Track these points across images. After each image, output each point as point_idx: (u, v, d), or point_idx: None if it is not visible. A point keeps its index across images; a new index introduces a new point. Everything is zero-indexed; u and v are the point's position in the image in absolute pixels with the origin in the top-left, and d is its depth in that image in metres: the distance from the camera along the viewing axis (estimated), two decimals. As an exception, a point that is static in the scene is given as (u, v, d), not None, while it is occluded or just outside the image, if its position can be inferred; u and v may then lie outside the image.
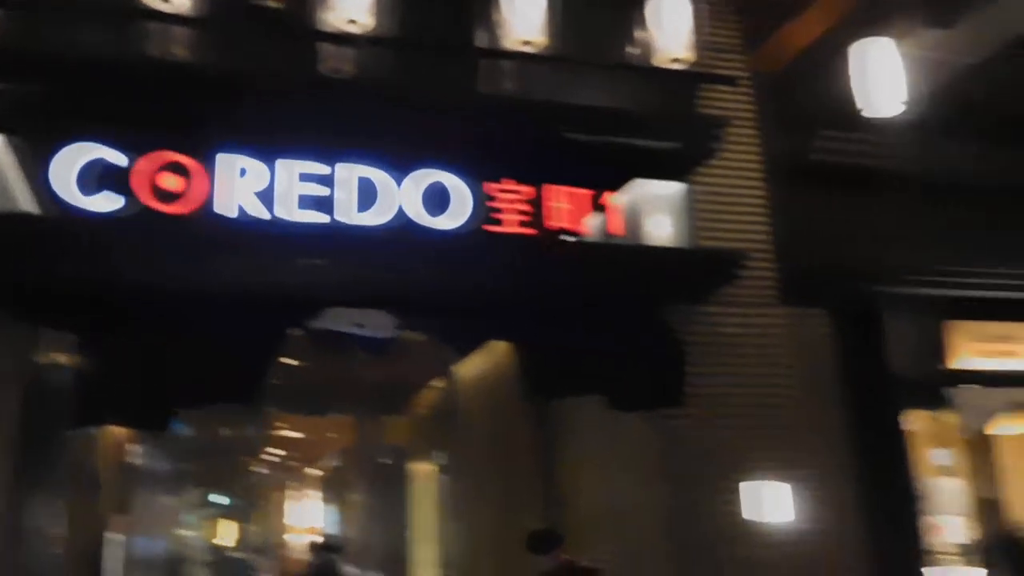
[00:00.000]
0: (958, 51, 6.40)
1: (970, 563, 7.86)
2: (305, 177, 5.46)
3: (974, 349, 7.29)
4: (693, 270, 6.14)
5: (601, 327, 5.96)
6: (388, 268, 5.50)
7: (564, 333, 5.97)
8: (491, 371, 7.97)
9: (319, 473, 19.71)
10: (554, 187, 5.87)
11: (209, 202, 5.27)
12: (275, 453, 19.30)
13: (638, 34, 6.38)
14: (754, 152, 6.92)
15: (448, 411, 9.47)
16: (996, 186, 7.47)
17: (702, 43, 6.22)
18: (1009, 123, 7.42)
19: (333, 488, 18.58)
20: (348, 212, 5.50)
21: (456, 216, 5.65)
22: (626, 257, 5.90)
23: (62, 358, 5.92)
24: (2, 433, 5.40)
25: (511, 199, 5.78)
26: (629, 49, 6.47)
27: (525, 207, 5.78)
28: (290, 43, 5.99)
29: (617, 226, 5.94)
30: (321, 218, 5.41)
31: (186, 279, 5.38)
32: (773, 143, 6.93)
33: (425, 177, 5.65)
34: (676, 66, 6.12)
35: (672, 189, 6.23)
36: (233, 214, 5.29)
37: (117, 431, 8.13)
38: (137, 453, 9.86)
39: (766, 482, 6.10)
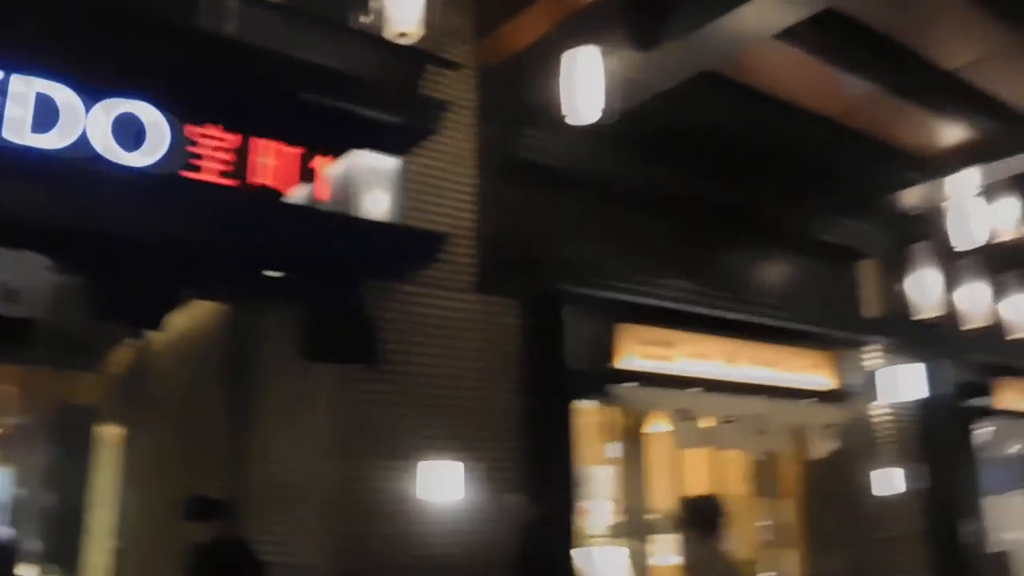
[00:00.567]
0: (655, 75, 6.88)
1: (615, 542, 8.56)
2: (-33, 82, 4.70)
3: (638, 351, 7.91)
4: (396, 246, 6.09)
5: (298, 290, 5.73)
6: (61, 200, 4.86)
7: (259, 291, 5.67)
8: (186, 328, 7.41)
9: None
10: (263, 141, 5.54)
11: None
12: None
13: (373, 2, 6.20)
14: (470, 140, 7.02)
15: (140, 370, 8.69)
16: (673, 203, 8.18)
17: (433, 23, 6.17)
18: (691, 148, 8.15)
19: (8, 447, 16.44)
20: (20, 131, 4.79)
21: (150, 154, 5.13)
22: (328, 224, 5.72)
23: None
24: None
25: (214, 146, 5.37)
26: (363, 16, 6.27)
27: (228, 156, 5.40)
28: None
29: (324, 192, 5.74)
30: (-20, 132, 4.68)
31: None
32: (488, 134, 7.06)
33: (119, 106, 5.08)
34: (404, 41, 6.01)
35: (386, 164, 6.14)
36: None
37: None
38: None
39: (441, 462, 6.20)
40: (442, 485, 6.18)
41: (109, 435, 10.43)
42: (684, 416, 8.05)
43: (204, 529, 5.16)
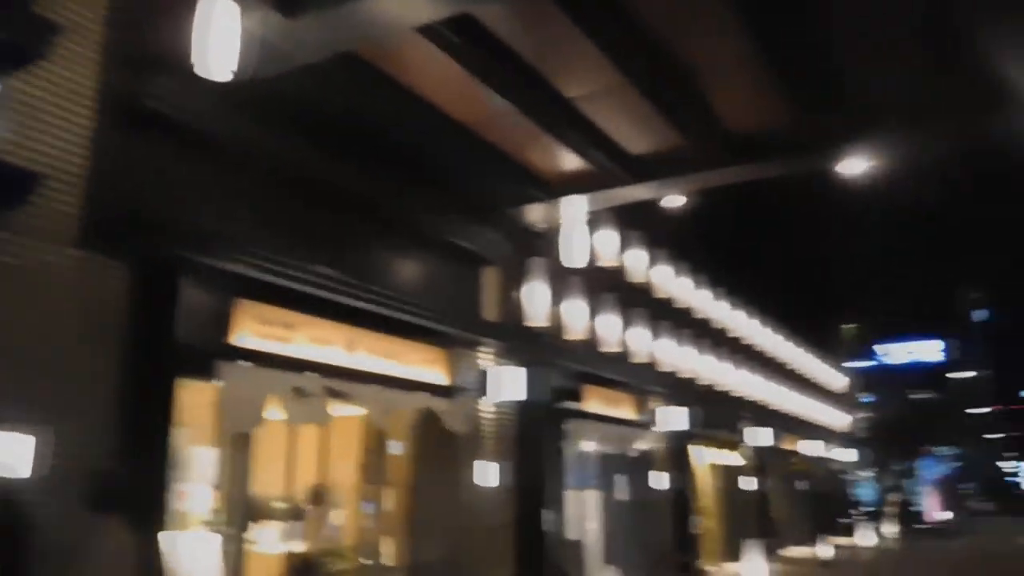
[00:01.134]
0: (298, 45, 6.65)
1: (213, 528, 8.06)
2: None
3: (255, 329, 7.56)
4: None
5: None
6: None
7: None
8: None
9: None
10: None
11: None
12: None
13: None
14: (90, 77, 6.23)
15: None
16: (311, 184, 7.96)
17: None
18: (333, 130, 8.01)
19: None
20: None
21: None
22: None
23: None
24: None
25: None
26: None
27: None
28: None
29: None
30: None
31: None
32: (112, 74, 6.33)
33: None
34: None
35: None
36: None
37: None
38: None
39: (8, 433, 5.36)
40: (7, 458, 5.34)
41: None
42: (299, 394, 7.83)
43: None
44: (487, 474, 10.53)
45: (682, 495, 16.53)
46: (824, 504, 27.51)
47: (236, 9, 5.81)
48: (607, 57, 8.36)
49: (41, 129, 5.91)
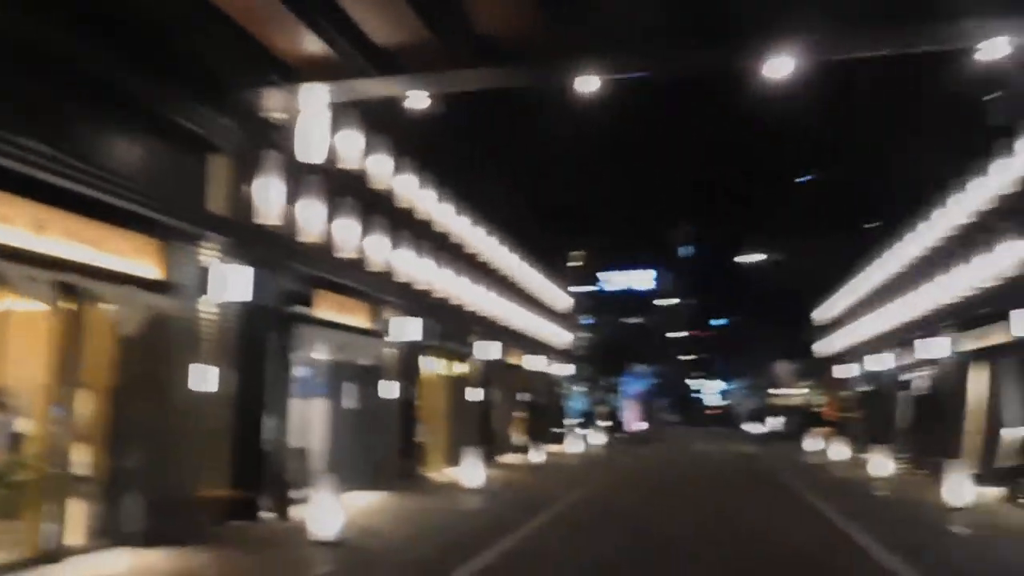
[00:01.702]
0: None
1: None
2: None
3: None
4: None
5: None
6: None
7: None
8: None
9: None
10: None
11: None
12: None
13: None
14: None
15: None
16: (33, 51, 6.51)
17: None
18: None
19: None
20: None
21: None
22: None
23: None
24: None
25: None
26: None
27: None
28: None
29: None
30: None
31: None
32: None
33: None
34: None
35: None
36: None
37: None
38: None
39: None
40: None
41: None
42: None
43: None
44: (204, 378, 9.62)
45: (410, 405, 16.44)
46: (541, 415, 28.90)
47: None
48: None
49: None
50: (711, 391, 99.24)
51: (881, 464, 19.92)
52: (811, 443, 31.43)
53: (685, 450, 34.35)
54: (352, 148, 12.31)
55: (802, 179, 55.60)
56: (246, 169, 10.39)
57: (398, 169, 14.89)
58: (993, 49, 9.34)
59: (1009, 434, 15.50)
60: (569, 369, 36.13)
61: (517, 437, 23.44)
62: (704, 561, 9.16)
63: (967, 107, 16.92)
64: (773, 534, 11.33)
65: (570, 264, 40.77)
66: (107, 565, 7.82)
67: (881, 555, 9.50)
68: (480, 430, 22.11)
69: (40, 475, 7.87)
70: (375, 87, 10.21)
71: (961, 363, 18.89)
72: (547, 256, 31.26)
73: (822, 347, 36.17)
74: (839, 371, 32.44)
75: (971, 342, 17.94)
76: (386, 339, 15.30)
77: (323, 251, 12.23)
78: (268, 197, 10.45)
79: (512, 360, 25.55)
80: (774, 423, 41.56)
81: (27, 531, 7.64)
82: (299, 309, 11.89)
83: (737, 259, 63.62)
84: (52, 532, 7.73)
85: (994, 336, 16.29)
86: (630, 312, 52.72)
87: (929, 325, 19.74)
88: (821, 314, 36.05)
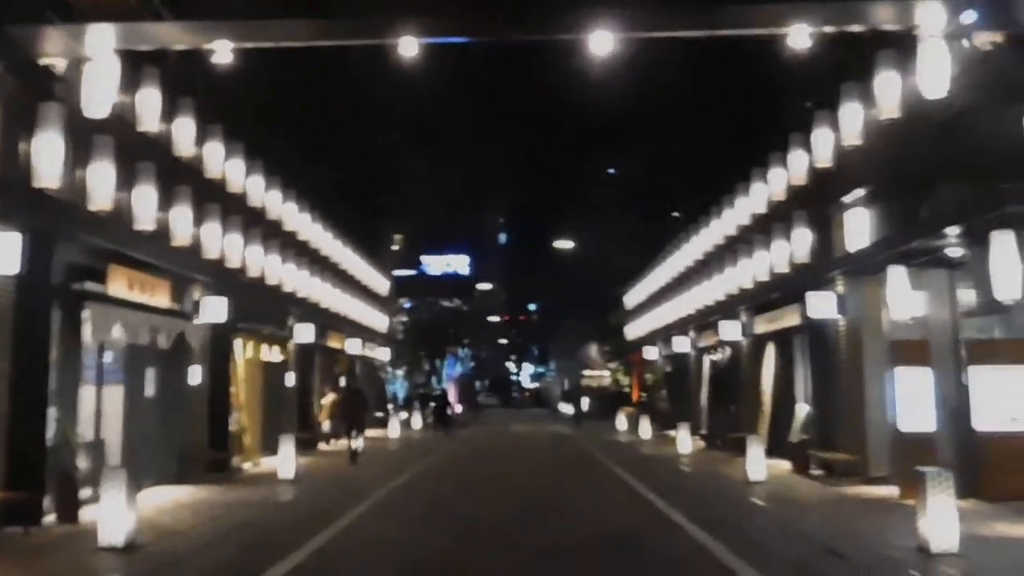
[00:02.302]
0: None
1: None
2: None
3: None
4: None
5: None
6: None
7: None
8: None
9: None
10: None
11: None
12: None
13: None
14: None
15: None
16: None
17: None
18: None
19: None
20: None
21: None
22: None
23: None
24: None
25: None
26: None
27: None
28: None
29: None
30: None
31: None
32: None
33: None
34: None
35: None
36: None
37: None
38: None
39: None
40: None
41: None
42: None
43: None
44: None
45: (221, 391, 15.10)
46: (362, 400, 27.91)
47: None
48: None
49: None
50: (527, 374, 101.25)
51: (685, 441, 20.58)
52: (621, 422, 32.34)
53: (504, 432, 34.45)
54: (151, 108, 10.91)
55: (612, 170, 57.41)
56: (18, 122, 8.87)
57: (204, 136, 13.51)
58: (799, 36, 9.44)
59: (802, 410, 16.31)
60: (391, 353, 35.25)
61: (337, 424, 22.39)
62: (524, 547, 8.75)
63: (775, 95, 17.62)
64: (592, 515, 11.18)
65: (394, 248, 39.85)
66: None
67: (693, 530, 9.52)
68: (298, 417, 20.91)
69: None
70: (171, 34, 8.96)
71: (756, 344, 19.80)
72: (369, 239, 30.23)
73: (632, 330, 37.33)
74: (647, 353, 33.56)
75: (765, 324, 18.81)
76: (194, 321, 13.91)
77: (117, 222, 10.79)
78: (48, 156, 8.96)
79: (332, 344, 24.40)
80: (585, 404, 42.61)
81: None
82: (90, 286, 10.43)
83: (551, 244, 64.85)
84: None
85: (786, 318, 17.10)
86: (451, 296, 52.44)
87: (727, 308, 20.55)
88: (631, 298, 37.17)
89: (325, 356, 24.64)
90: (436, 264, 71.66)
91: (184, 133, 12.46)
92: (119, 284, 11.14)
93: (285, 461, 14.15)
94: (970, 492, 10.30)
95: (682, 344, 26.69)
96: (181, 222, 12.49)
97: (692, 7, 9.75)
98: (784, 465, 15.50)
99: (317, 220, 21.40)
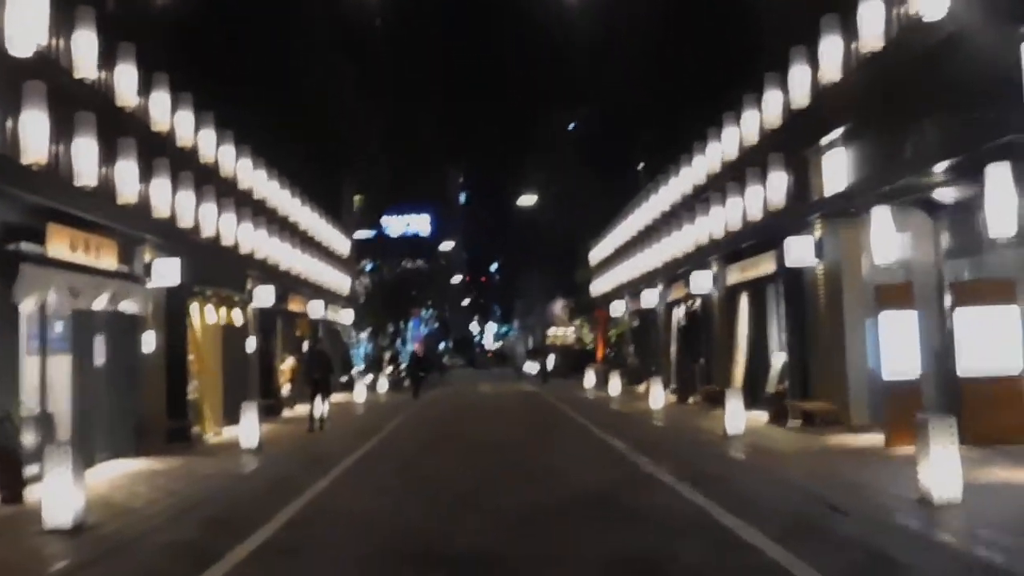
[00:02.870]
0: None
1: None
2: None
3: None
4: None
5: None
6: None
7: None
8: None
9: None
10: None
11: None
12: None
13: None
14: None
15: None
16: None
17: None
18: None
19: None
20: None
21: None
22: None
23: None
24: None
25: None
26: None
27: None
28: None
29: None
30: None
31: None
32: None
33: None
34: None
35: None
36: None
37: None
38: None
39: None
40: None
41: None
42: None
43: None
44: None
45: (178, 358, 14.28)
46: (327, 363, 27.17)
47: None
48: None
49: None
50: (491, 334, 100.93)
51: (658, 396, 20.22)
52: (589, 379, 32.04)
53: (471, 392, 34.01)
54: (88, 53, 9.97)
55: (572, 125, 56.55)
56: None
57: (150, 86, 12.53)
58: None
59: (778, 359, 15.97)
60: (354, 315, 34.44)
61: (299, 388, 21.65)
62: (504, 512, 8.20)
63: (746, 37, 17.02)
64: (572, 475, 10.70)
65: (355, 209, 38.78)
66: None
67: (682, 488, 9.09)
68: (261, 383, 20.13)
69: None
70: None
71: (728, 294, 19.41)
72: (327, 198, 29.22)
73: (598, 286, 36.91)
74: (614, 308, 33.17)
75: (737, 274, 18.40)
76: (148, 284, 13.04)
77: (56, 177, 9.88)
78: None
79: (294, 307, 23.55)
80: (551, 361, 42.29)
81: None
82: (26, 247, 9.54)
83: (513, 202, 64.04)
84: None
85: (760, 267, 16.69)
86: (413, 257, 51.67)
87: (697, 259, 20.11)
88: (597, 253, 36.67)
89: (287, 320, 23.81)
90: (396, 224, 70.46)
91: (126, 82, 11.50)
92: (60, 245, 10.24)
93: (248, 429, 13.43)
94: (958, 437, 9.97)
95: (651, 298, 26.28)
96: (127, 178, 11.58)
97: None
98: (761, 417, 15.16)
99: (274, 178, 20.42)
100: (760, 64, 15.09)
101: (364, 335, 41.06)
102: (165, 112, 12.97)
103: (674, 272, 22.81)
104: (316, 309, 25.98)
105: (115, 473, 10.73)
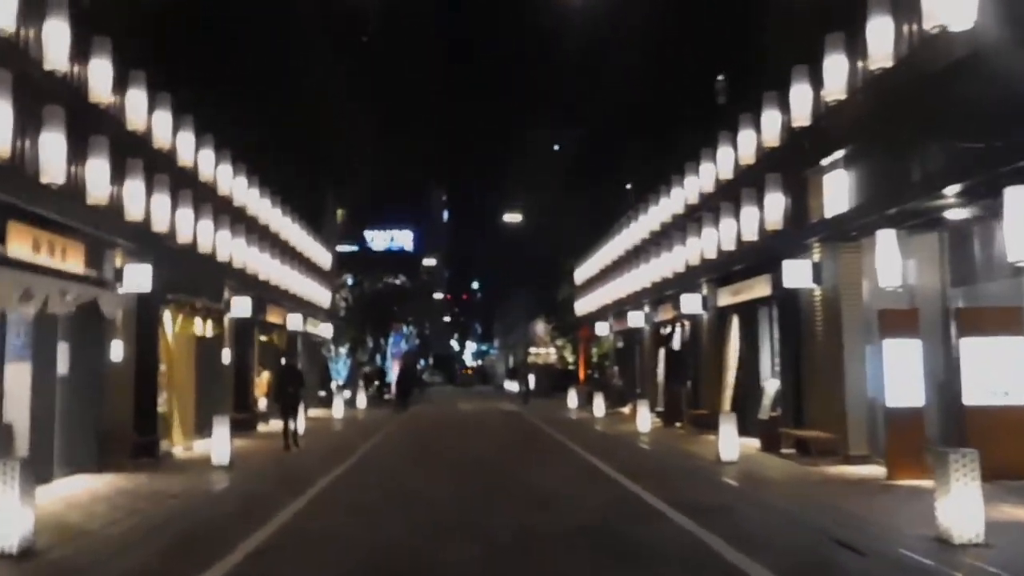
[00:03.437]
0: None
1: None
2: None
3: None
4: None
5: None
6: None
7: None
8: None
9: None
10: None
11: None
12: None
13: None
14: None
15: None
16: None
17: None
18: None
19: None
20: None
21: None
22: None
23: None
24: None
25: None
26: None
27: None
28: None
29: None
30: None
31: None
32: None
33: None
34: None
35: None
36: None
37: None
38: None
39: None
40: None
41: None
42: None
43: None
44: None
45: (148, 369, 13.56)
46: (304, 377, 26.47)
47: None
48: None
49: None
50: (470, 352, 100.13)
51: (644, 419, 19.68)
52: (572, 399, 31.44)
53: (452, 410, 33.32)
54: (59, 45, 9.38)
55: (558, 145, 56.30)
56: None
57: (125, 83, 11.92)
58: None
59: (771, 385, 15.48)
60: (334, 329, 33.72)
61: (271, 403, 20.94)
62: (493, 543, 7.60)
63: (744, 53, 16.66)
64: (562, 501, 10.11)
65: (339, 223, 38.13)
66: None
67: (679, 519, 8.53)
68: (235, 397, 19.39)
69: None
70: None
71: (718, 317, 18.95)
72: (310, 209, 28.59)
73: (582, 305, 36.39)
74: (598, 328, 32.64)
75: (729, 296, 17.95)
76: (118, 290, 12.37)
77: (18, 173, 9.22)
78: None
79: (272, 319, 22.84)
80: (532, 381, 41.70)
81: None
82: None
83: (497, 221, 63.58)
84: None
85: (754, 290, 16.24)
86: (393, 271, 51.07)
87: (687, 280, 19.64)
88: (582, 273, 36.19)
89: (264, 331, 23.09)
90: (380, 239, 69.76)
91: (101, 77, 10.90)
92: (21, 244, 9.58)
93: (219, 445, 12.73)
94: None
95: (636, 319, 25.79)
96: (98, 178, 10.93)
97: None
98: (752, 443, 14.64)
99: (255, 186, 19.78)
100: (759, 82, 14.70)
101: (343, 349, 40.25)
102: (142, 112, 12.35)
103: (662, 293, 22.34)
104: (295, 322, 25.27)
105: (74, 490, 10.02)
